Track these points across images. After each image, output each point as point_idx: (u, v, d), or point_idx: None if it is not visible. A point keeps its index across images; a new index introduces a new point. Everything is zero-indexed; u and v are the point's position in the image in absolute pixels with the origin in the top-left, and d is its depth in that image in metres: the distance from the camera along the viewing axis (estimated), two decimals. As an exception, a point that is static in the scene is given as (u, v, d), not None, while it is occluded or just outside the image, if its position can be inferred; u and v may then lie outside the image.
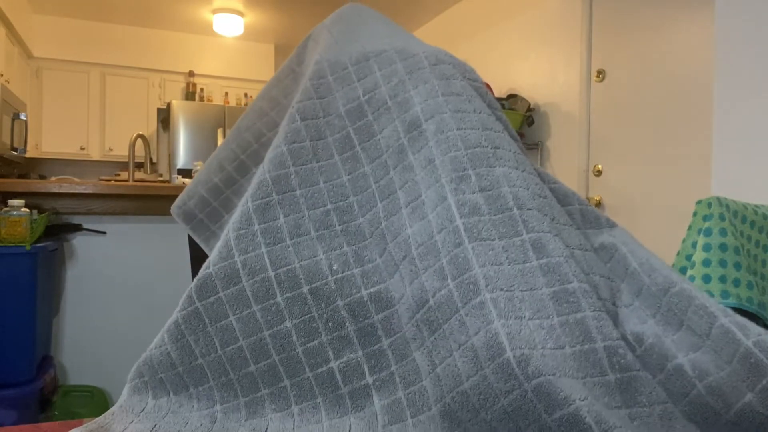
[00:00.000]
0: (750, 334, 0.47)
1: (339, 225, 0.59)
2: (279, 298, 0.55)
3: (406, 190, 0.59)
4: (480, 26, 4.45)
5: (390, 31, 0.78)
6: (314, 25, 4.43)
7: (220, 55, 6.24)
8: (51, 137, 5.61)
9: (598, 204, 3.29)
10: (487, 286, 0.49)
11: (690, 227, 1.09)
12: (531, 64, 3.84)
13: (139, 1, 5.17)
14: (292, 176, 0.61)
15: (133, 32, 5.89)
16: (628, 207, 3.11)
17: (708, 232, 1.05)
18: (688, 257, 1.07)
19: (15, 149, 4.56)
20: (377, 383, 0.54)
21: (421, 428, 0.50)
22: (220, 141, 4.63)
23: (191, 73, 6.10)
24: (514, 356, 0.45)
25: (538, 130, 3.75)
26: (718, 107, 2.20)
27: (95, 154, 5.79)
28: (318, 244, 0.58)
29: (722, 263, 1.02)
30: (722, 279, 1.02)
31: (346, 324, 0.55)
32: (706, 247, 1.04)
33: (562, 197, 0.63)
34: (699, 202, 1.08)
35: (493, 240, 0.52)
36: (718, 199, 1.06)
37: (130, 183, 2.54)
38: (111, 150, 5.82)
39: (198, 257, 1.19)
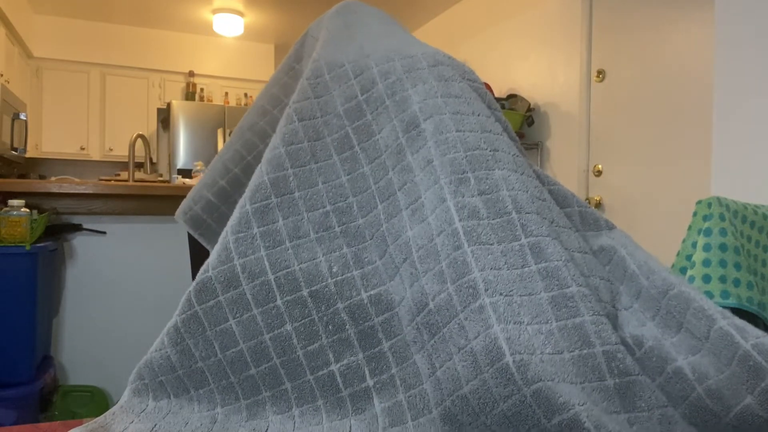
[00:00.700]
0: (748, 336, 0.47)
1: (338, 226, 0.59)
2: (279, 301, 0.55)
3: (406, 191, 0.58)
4: (480, 26, 4.45)
5: (388, 30, 0.77)
6: (314, 25, 4.40)
7: (220, 55, 6.24)
8: (51, 137, 5.61)
9: (598, 204, 3.28)
10: (486, 290, 0.49)
11: (690, 227, 1.09)
12: (531, 64, 3.84)
13: (139, 1, 5.17)
14: (291, 178, 0.61)
15: (133, 32, 5.89)
16: (628, 207, 3.11)
17: (708, 232, 1.05)
18: (688, 257, 1.07)
19: (15, 149, 4.56)
20: (378, 386, 0.54)
21: (421, 431, 0.50)
22: (220, 141, 4.63)
23: (191, 73, 6.09)
24: (513, 361, 0.45)
25: (538, 130, 3.74)
26: (718, 107, 2.20)
27: (95, 154, 5.79)
28: (317, 246, 0.58)
29: (722, 263, 1.02)
30: (722, 279, 1.02)
31: (347, 326, 0.55)
32: (706, 247, 1.04)
33: (562, 199, 0.63)
34: (699, 202, 1.08)
35: (492, 244, 0.52)
36: (718, 199, 1.06)
37: (130, 183, 2.54)
38: (111, 150, 5.82)
39: (198, 257, 1.18)
